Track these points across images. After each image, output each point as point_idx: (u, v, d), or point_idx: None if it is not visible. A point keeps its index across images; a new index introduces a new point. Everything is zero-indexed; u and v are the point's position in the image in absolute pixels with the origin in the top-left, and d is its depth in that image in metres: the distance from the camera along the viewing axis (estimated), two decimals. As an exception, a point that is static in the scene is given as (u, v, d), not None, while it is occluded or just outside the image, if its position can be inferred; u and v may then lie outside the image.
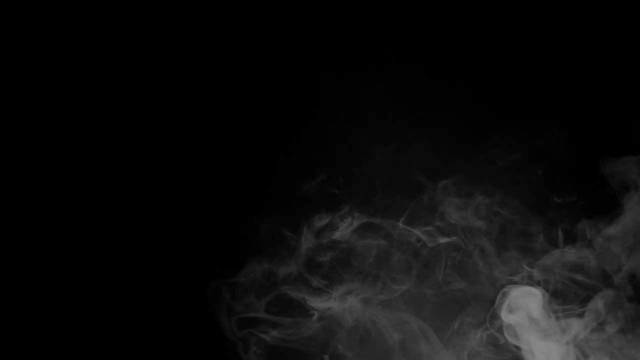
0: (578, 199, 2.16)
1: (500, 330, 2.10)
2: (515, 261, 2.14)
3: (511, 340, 2.10)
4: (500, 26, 2.32)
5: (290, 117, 2.33)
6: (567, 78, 2.29)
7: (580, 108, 2.28)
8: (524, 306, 2.08)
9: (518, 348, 2.10)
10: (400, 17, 2.34)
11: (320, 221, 2.19)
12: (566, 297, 2.11)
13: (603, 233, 2.10)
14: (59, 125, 2.35)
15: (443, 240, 2.17)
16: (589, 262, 2.10)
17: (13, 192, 2.33)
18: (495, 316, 2.10)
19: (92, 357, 2.30)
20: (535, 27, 2.31)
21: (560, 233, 2.13)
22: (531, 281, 2.10)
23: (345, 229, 2.19)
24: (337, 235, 2.19)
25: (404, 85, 2.31)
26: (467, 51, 2.32)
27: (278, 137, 2.33)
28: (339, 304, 2.18)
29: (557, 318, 2.08)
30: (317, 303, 2.18)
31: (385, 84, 2.31)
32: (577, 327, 2.07)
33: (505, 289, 2.10)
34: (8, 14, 2.34)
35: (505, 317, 2.08)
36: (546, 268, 2.12)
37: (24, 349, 2.30)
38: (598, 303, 2.07)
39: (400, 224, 2.18)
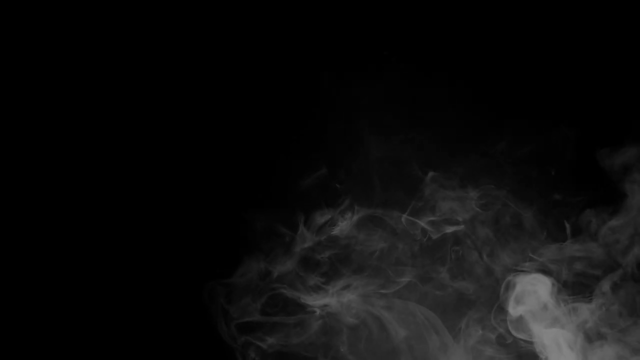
0: (581, 193, 2.16)
1: (507, 326, 2.10)
2: (519, 253, 2.14)
3: (519, 335, 2.09)
4: (499, 25, 2.32)
5: (290, 117, 2.32)
6: (567, 77, 2.30)
7: (580, 106, 2.28)
8: (531, 294, 2.07)
9: (526, 342, 2.10)
10: (399, 17, 2.34)
11: (321, 217, 2.18)
12: (573, 285, 2.10)
13: (609, 222, 2.10)
14: (54, 121, 2.35)
15: (444, 234, 2.17)
16: (595, 251, 2.10)
17: (9, 190, 2.33)
18: (501, 310, 2.10)
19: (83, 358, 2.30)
20: (534, 26, 2.32)
21: (566, 224, 2.13)
22: (537, 270, 2.10)
23: (345, 224, 2.19)
24: (337, 230, 2.18)
25: (404, 85, 2.31)
26: (467, 51, 2.32)
27: (278, 137, 2.32)
28: (341, 302, 2.17)
29: (565, 304, 2.08)
30: (318, 302, 2.18)
31: (385, 84, 2.31)
32: (584, 313, 2.07)
33: (509, 278, 2.10)
34: (8, 14, 2.35)
35: (513, 309, 2.08)
36: (551, 258, 2.12)
37: (22, 348, 2.30)
38: (605, 289, 2.07)
39: (401, 217, 2.18)
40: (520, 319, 2.09)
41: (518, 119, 2.25)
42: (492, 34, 2.32)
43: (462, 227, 2.16)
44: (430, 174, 2.21)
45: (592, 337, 2.07)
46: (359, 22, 2.35)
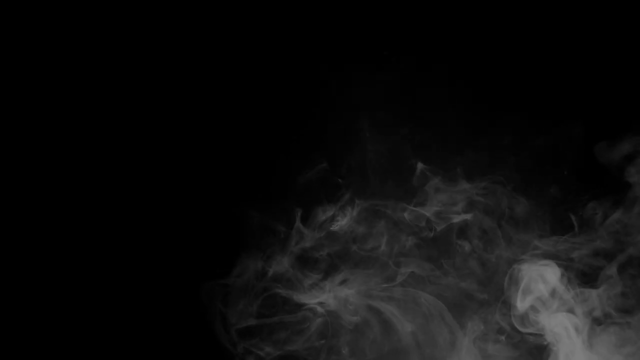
0: (585, 187, 2.17)
1: (515, 317, 2.10)
2: (524, 244, 2.14)
3: (527, 328, 2.09)
4: (499, 25, 2.32)
5: (290, 117, 2.32)
6: (566, 75, 2.30)
7: (579, 104, 2.28)
8: (537, 282, 2.08)
9: (534, 335, 2.10)
10: (400, 17, 2.34)
11: (323, 213, 2.18)
12: (579, 273, 2.11)
13: (613, 212, 2.10)
14: (49, 120, 2.35)
15: (446, 226, 2.17)
16: (600, 241, 2.10)
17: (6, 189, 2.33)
18: (508, 301, 2.10)
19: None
20: (533, 26, 2.32)
21: (572, 216, 2.13)
22: (542, 259, 2.11)
23: (346, 219, 2.18)
24: (338, 226, 2.18)
25: (403, 85, 2.31)
26: (466, 51, 2.32)
27: (278, 137, 2.32)
28: (344, 299, 2.17)
29: (571, 290, 2.08)
30: (320, 300, 2.17)
31: (385, 84, 2.31)
32: (590, 298, 2.07)
33: (515, 267, 2.10)
34: (8, 14, 2.34)
35: (521, 299, 2.08)
36: (556, 248, 2.12)
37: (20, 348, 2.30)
38: (611, 275, 2.08)
39: (401, 211, 2.18)
40: (527, 309, 2.08)
41: (518, 118, 2.26)
42: (492, 34, 2.32)
43: (464, 219, 2.16)
44: (420, 165, 2.22)
45: (598, 322, 2.07)
46: (358, 23, 2.35)
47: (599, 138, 2.19)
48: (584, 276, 2.11)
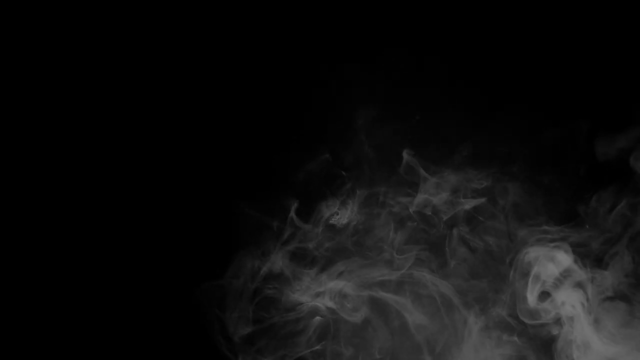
0: (588, 181, 2.18)
1: (522, 310, 2.11)
2: (528, 233, 2.15)
3: (538, 321, 2.10)
4: (499, 24, 2.34)
5: (290, 117, 2.33)
6: (567, 74, 2.31)
7: (581, 102, 2.29)
8: (545, 268, 2.08)
9: (542, 325, 2.10)
10: (400, 16, 2.35)
11: (326, 207, 2.18)
12: (585, 257, 2.11)
13: (619, 201, 2.11)
14: (43, 116, 2.34)
15: (449, 218, 2.17)
16: (605, 229, 2.11)
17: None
18: (514, 292, 2.11)
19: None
20: (533, 25, 2.33)
21: (577, 208, 2.14)
22: (548, 246, 2.12)
23: (348, 213, 2.18)
24: (341, 220, 2.18)
25: (403, 85, 2.32)
26: (466, 50, 2.33)
27: (278, 137, 2.32)
28: (352, 295, 2.17)
29: (579, 273, 2.09)
30: (325, 301, 2.17)
31: (385, 83, 2.32)
32: (598, 280, 2.08)
33: (519, 255, 2.11)
34: (8, 14, 2.34)
35: (531, 288, 2.08)
36: (560, 237, 2.13)
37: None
38: (618, 260, 2.09)
39: (403, 203, 2.19)
40: (535, 296, 2.09)
41: (518, 118, 2.27)
42: (492, 33, 2.33)
43: (465, 210, 2.17)
44: (406, 152, 2.22)
45: (606, 301, 2.08)
46: (358, 23, 2.36)
47: (601, 134, 2.21)
48: (591, 261, 2.11)
